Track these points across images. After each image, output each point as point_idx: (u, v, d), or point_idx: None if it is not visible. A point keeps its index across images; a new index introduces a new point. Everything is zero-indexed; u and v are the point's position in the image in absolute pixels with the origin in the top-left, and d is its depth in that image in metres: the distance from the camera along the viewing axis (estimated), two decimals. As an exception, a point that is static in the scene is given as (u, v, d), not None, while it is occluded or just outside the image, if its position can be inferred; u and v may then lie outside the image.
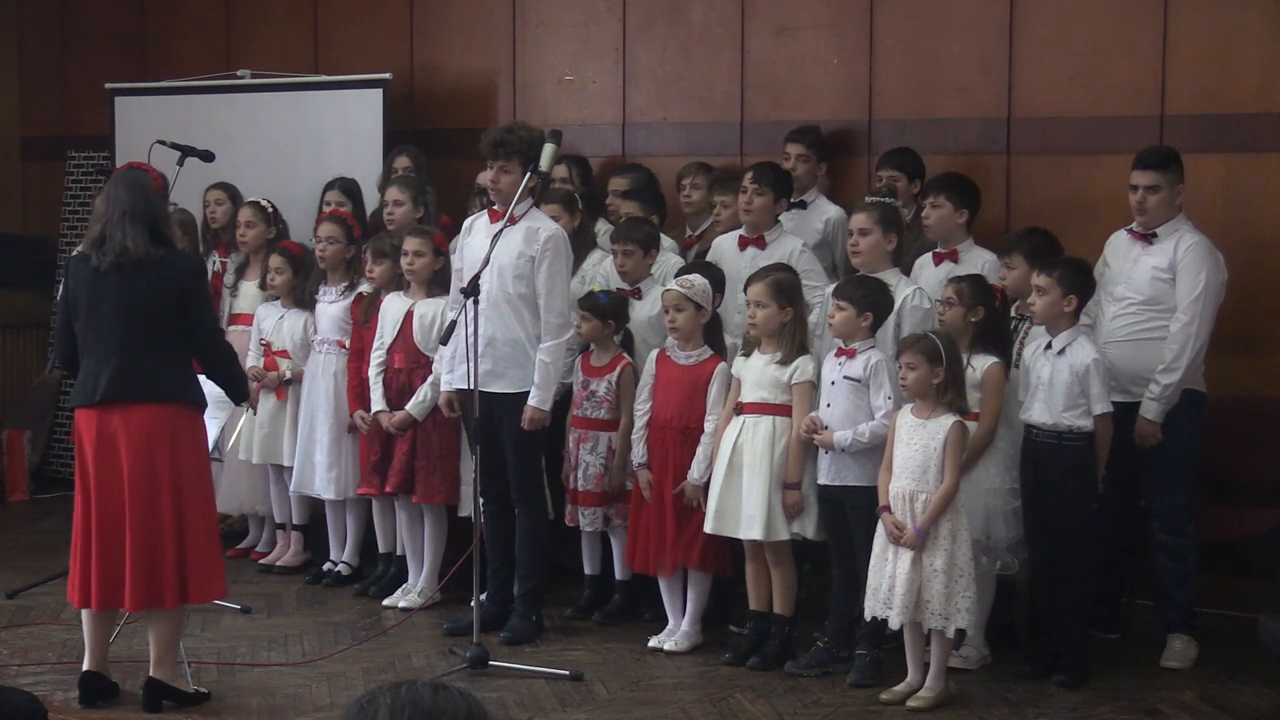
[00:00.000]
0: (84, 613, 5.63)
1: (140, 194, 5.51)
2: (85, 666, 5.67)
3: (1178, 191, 6.28)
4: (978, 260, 6.49)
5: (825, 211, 7.25)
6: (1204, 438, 6.32)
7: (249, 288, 7.93)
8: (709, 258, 6.85)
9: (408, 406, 7.00)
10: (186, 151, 7.12)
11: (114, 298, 5.43)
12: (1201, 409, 6.30)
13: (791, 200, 7.11)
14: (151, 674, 5.61)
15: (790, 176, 7.01)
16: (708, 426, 6.31)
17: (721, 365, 6.36)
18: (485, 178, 6.69)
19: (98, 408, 5.45)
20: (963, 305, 6.05)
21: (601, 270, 7.08)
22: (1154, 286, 6.22)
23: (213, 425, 6.33)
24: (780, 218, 6.87)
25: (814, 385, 6.10)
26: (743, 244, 6.81)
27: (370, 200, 8.10)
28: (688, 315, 6.34)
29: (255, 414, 7.53)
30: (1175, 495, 6.26)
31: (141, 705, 5.61)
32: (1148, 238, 6.28)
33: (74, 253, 5.64)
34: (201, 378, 5.76)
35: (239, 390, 5.99)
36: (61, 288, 5.65)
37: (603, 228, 7.54)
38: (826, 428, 5.98)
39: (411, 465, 7.03)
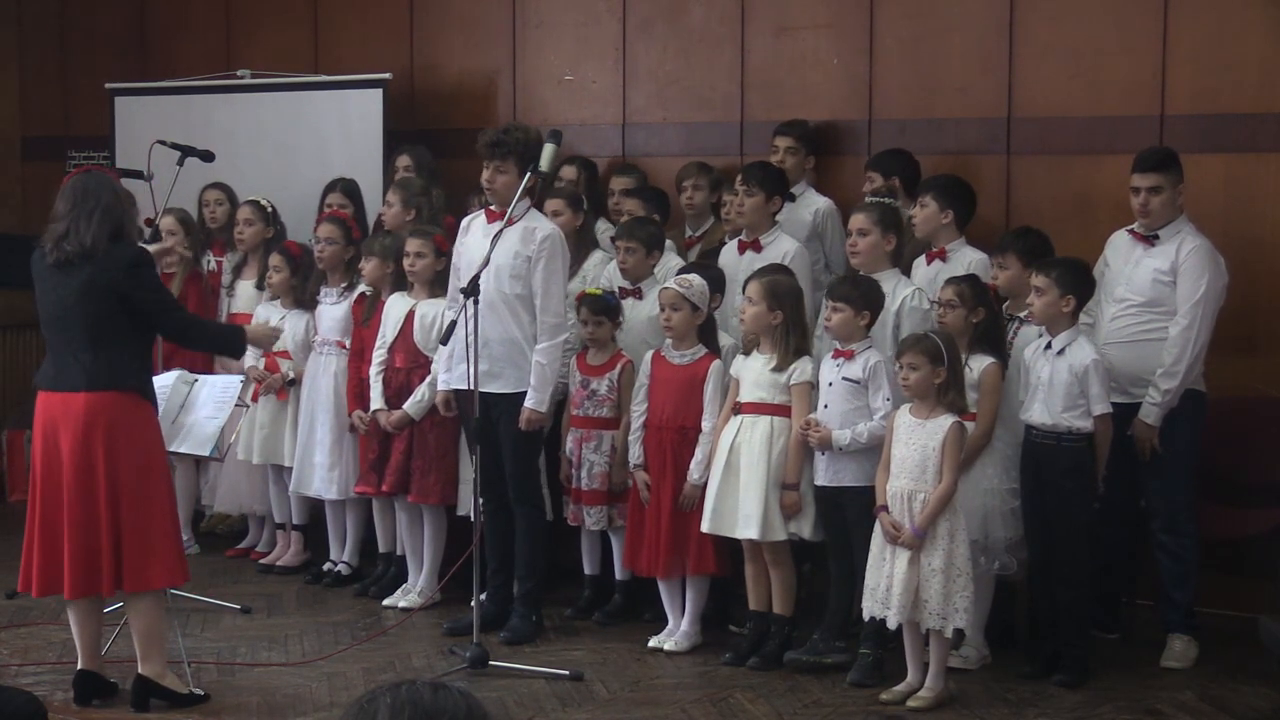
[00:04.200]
0: (69, 610, 5.64)
1: (102, 192, 5.56)
2: (78, 665, 5.68)
3: (1179, 191, 6.28)
4: (966, 259, 6.48)
5: (814, 203, 7.27)
6: (1204, 438, 6.32)
7: (245, 287, 7.93)
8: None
9: (405, 406, 7.00)
10: (186, 151, 7.12)
11: (55, 292, 5.54)
12: (1201, 409, 6.30)
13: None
14: (139, 671, 5.60)
15: (783, 173, 7.02)
16: (705, 426, 6.31)
17: (716, 364, 6.36)
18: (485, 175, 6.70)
19: (48, 393, 5.57)
20: (965, 307, 6.05)
21: (606, 272, 7.08)
22: (1155, 288, 6.22)
23: (213, 425, 6.33)
24: (777, 216, 6.89)
25: (813, 386, 6.10)
26: (741, 248, 6.84)
27: (371, 201, 8.09)
28: (683, 315, 6.34)
29: (255, 404, 7.53)
30: (1175, 495, 6.26)
31: (130, 704, 5.60)
32: (1149, 239, 6.28)
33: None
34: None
35: (231, 346, 6.08)
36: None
37: (603, 227, 7.55)
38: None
39: (408, 465, 7.04)
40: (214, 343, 6.24)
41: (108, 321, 5.50)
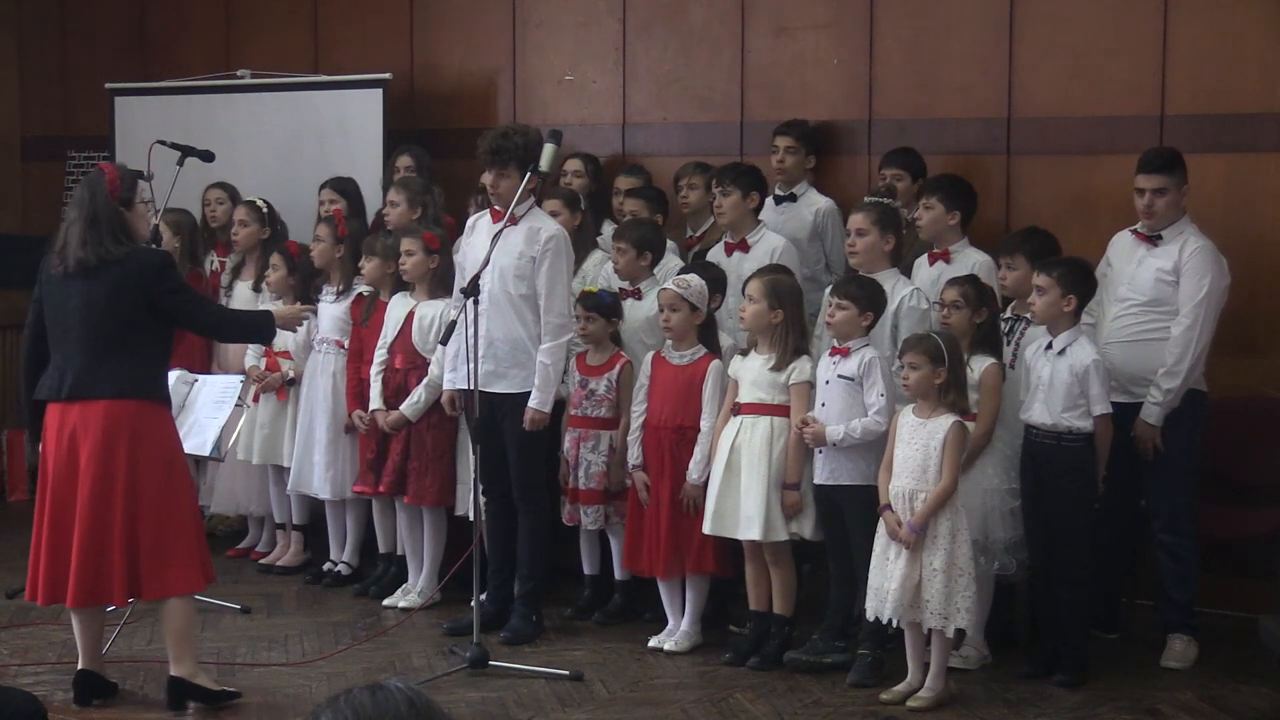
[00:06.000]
0: (71, 612, 5.63)
1: (91, 196, 5.53)
2: (79, 665, 5.67)
3: (1183, 193, 6.28)
4: (970, 260, 6.49)
5: (815, 203, 7.28)
6: (1204, 438, 6.32)
7: (243, 288, 7.92)
8: None
9: (401, 407, 7.00)
10: (186, 151, 7.12)
11: (79, 298, 5.48)
12: (1202, 409, 6.30)
13: (778, 194, 7.20)
14: (172, 672, 5.59)
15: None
16: (704, 425, 6.31)
17: (715, 364, 6.36)
18: (487, 179, 6.70)
19: (62, 403, 5.50)
20: (969, 307, 6.06)
21: (605, 272, 7.09)
22: (1158, 288, 6.22)
23: (213, 425, 6.33)
24: (763, 216, 6.92)
25: (812, 386, 6.10)
26: (729, 249, 6.86)
27: (371, 201, 8.09)
28: (682, 315, 6.34)
29: (256, 404, 7.55)
30: (1176, 495, 6.26)
31: (165, 705, 5.57)
32: (1152, 239, 6.28)
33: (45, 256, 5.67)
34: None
35: (262, 333, 6.18)
36: (35, 289, 5.69)
37: (610, 228, 7.55)
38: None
39: (404, 466, 7.04)
40: (246, 333, 6.37)
41: (133, 328, 5.48)
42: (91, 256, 5.44)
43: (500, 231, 6.31)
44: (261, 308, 7.45)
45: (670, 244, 7.21)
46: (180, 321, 5.71)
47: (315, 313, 7.00)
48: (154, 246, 6.22)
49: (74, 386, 5.47)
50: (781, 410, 6.12)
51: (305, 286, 7.57)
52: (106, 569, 5.45)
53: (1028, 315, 6.20)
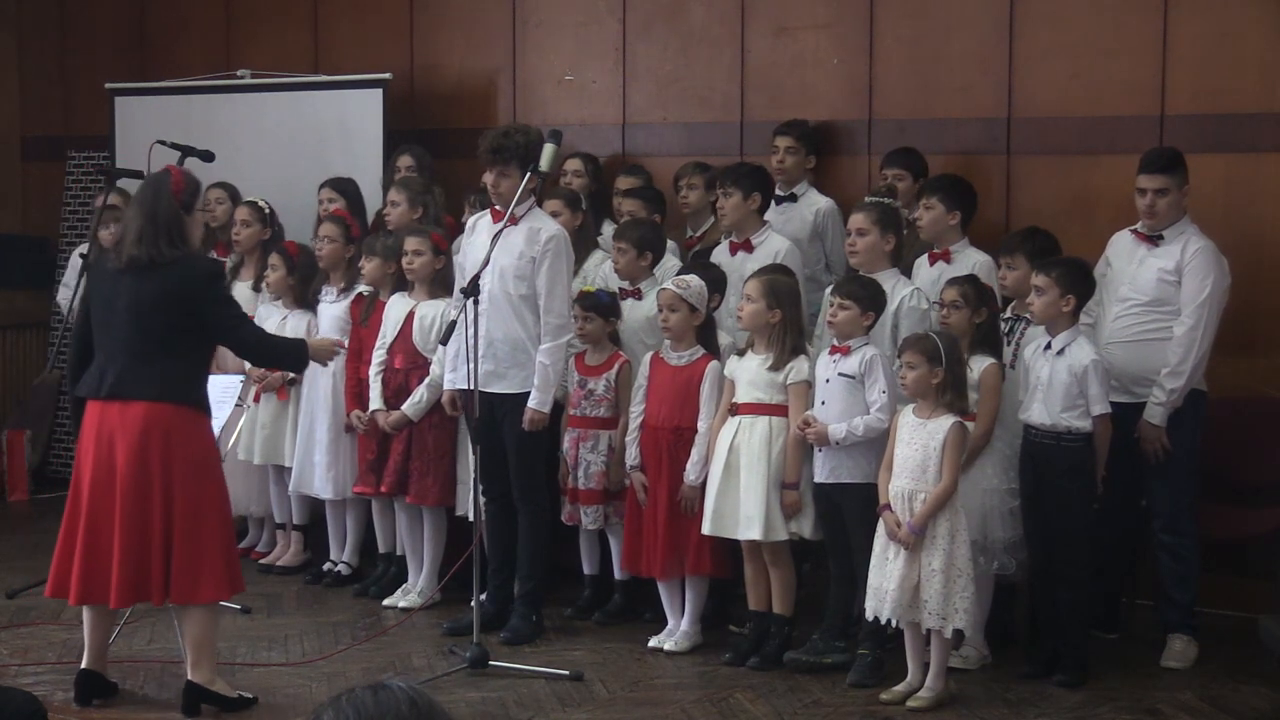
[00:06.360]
0: (84, 610, 5.63)
1: (155, 195, 5.54)
2: (82, 665, 5.66)
3: (1184, 193, 6.28)
4: (970, 260, 6.49)
5: (815, 203, 7.28)
6: (1204, 437, 6.32)
7: (243, 289, 7.90)
8: None
9: (403, 407, 7.00)
10: (186, 151, 7.12)
11: (126, 297, 5.48)
12: (1202, 408, 6.30)
13: (778, 195, 7.20)
14: (189, 677, 5.57)
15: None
16: (701, 426, 6.31)
17: (713, 364, 6.36)
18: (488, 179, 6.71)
19: (102, 402, 5.49)
20: (968, 307, 6.06)
21: (603, 272, 7.09)
22: (1159, 288, 6.22)
23: (213, 425, 6.32)
24: (767, 216, 6.90)
25: (810, 385, 6.10)
26: (733, 249, 6.86)
27: (371, 201, 8.09)
28: (681, 316, 6.34)
29: (257, 404, 7.55)
30: (1176, 495, 6.26)
31: (180, 709, 5.56)
32: (1153, 239, 6.29)
33: (91, 251, 5.67)
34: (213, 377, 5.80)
35: (295, 361, 6.11)
36: (82, 284, 5.69)
37: (610, 228, 7.55)
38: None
39: (406, 466, 7.04)
40: (280, 358, 6.27)
41: (178, 332, 5.48)
42: (144, 255, 5.45)
43: (500, 231, 6.31)
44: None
45: (670, 244, 7.22)
46: (217, 335, 5.67)
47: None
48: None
49: (114, 386, 5.46)
50: (779, 410, 6.12)
51: (304, 287, 7.59)
52: (146, 569, 5.45)
53: (1028, 315, 6.20)
